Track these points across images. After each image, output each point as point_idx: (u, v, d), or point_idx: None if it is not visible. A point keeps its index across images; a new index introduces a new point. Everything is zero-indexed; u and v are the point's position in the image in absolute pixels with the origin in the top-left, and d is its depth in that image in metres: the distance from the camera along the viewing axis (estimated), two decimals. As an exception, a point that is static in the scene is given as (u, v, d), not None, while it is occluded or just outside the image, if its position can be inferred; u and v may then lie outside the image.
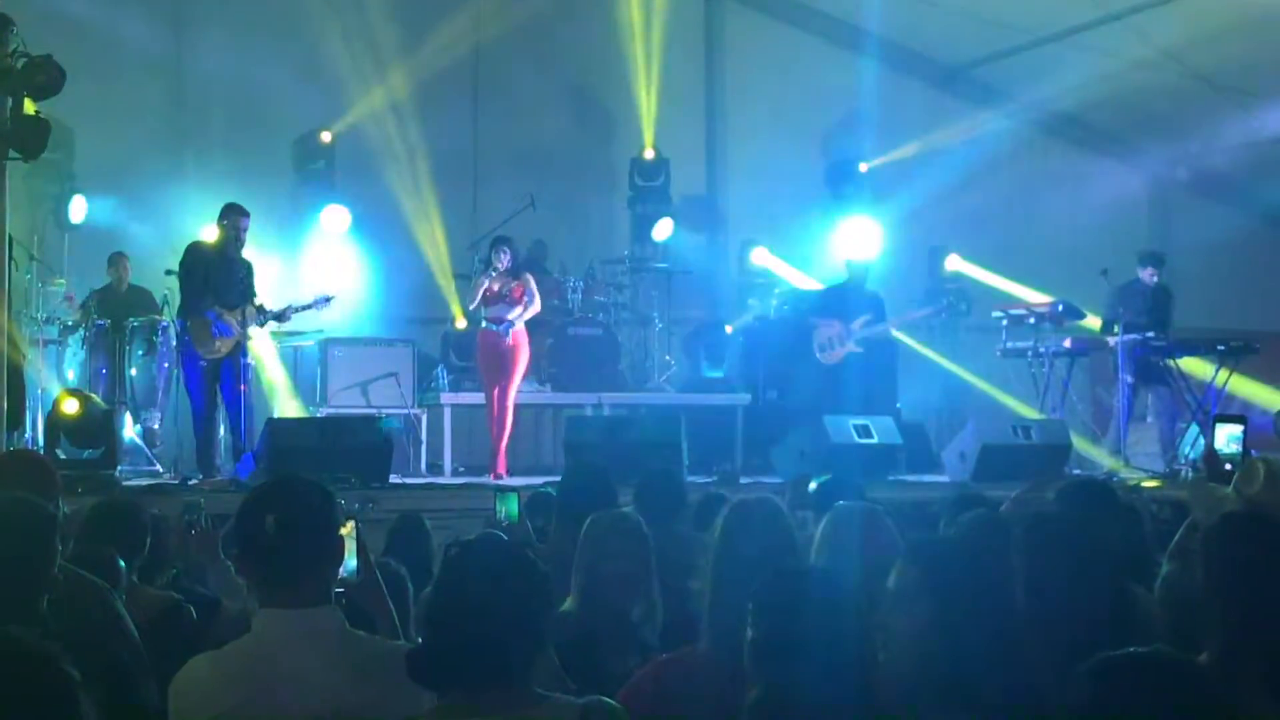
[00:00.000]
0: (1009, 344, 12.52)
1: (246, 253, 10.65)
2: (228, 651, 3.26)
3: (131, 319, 11.47)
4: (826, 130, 15.33)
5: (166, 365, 11.31)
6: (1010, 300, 13.29)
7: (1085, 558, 3.64)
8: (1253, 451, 5.49)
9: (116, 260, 12.19)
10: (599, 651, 4.30)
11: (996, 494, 6.18)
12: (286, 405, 12.62)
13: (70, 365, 11.64)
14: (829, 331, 12.38)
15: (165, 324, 11.22)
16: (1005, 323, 12.51)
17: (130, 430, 11.18)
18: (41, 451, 9.37)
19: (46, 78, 9.05)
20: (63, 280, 12.13)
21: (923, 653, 3.05)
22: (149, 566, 5.36)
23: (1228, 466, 5.33)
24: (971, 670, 3.00)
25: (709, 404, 13.02)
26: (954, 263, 14.88)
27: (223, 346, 10.30)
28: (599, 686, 3.42)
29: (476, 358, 11.72)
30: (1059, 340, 12.19)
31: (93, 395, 10.55)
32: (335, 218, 13.61)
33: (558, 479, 7.37)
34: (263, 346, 12.24)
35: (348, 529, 3.42)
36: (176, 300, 10.56)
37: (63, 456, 9.53)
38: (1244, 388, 12.70)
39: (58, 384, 11.27)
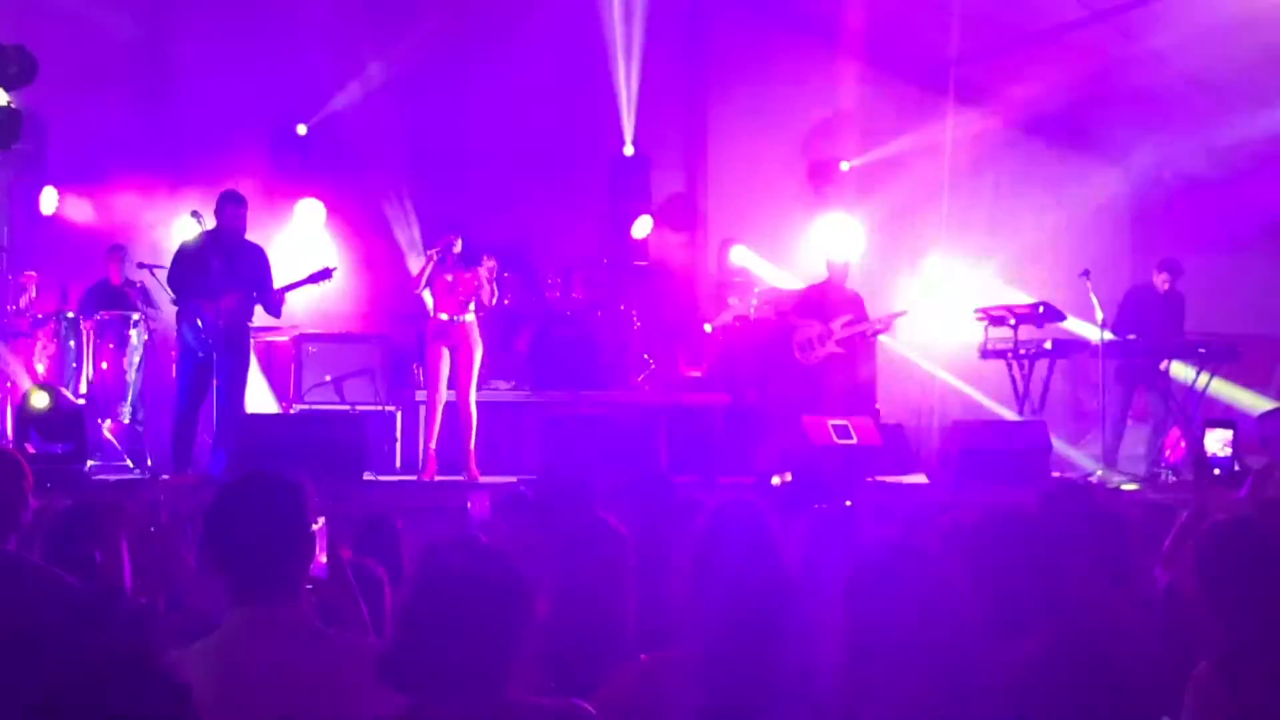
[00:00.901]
0: (989, 345, 12.49)
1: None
2: (195, 649, 3.20)
3: (99, 313, 11.33)
4: (807, 129, 15.26)
5: (138, 359, 11.22)
6: (991, 301, 13.22)
7: (1063, 561, 3.62)
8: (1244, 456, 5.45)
9: (113, 254, 12.09)
10: (575, 655, 4.22)
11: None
12: (260, 401, 12.49)
13: (40, 359, 11.51)
14: (809, 332, 12.32)
15: (137, 320, 11.11)
16: (986, 324, 12.48)
17: (102, 426, 11.05)
18: (10, 446, 9.27)
19: (19, 67, 8.99)
20: (33, 272, 12.00)
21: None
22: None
23: (1216, 471, 5.28)
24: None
25: (688, 404, 12.97)
26: (934, 263, 14.83)
27: (210, 339, 9.99)
28: (575, 690, 3.38)
29: (424, 351, 10.98)
30: (1039, 342, 12.16)
31: (63, 389, 10.45)
32: (310, 211, 13.55)
33: (533, 478, 7.30)
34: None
35: (317, 525, 3.40)
36: (167, 294, 10.48)
37: (33, 451, 9.44)
38: (1226, 392, 12.68)
39: (27, 378, 11.14)
